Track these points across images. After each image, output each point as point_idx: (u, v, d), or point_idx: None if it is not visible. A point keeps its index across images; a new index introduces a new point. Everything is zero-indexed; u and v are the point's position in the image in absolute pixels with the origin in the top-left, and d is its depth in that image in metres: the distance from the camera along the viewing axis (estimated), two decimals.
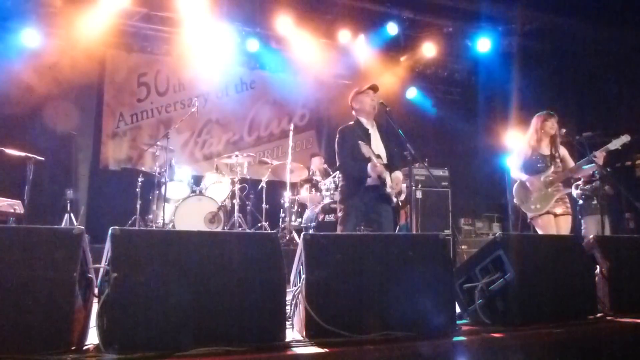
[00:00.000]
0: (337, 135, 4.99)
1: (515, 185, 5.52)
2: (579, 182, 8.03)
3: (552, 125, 5.43)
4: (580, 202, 8.04)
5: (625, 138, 5.22)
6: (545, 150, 5.46)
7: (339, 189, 5.17)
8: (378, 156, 4.79)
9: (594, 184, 7.83)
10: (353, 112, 5.10)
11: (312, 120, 11.21)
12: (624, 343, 3.36)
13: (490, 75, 10.68)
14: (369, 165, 4.67)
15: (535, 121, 5.53)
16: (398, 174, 4.91)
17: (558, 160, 5.42)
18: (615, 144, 5.22)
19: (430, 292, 3.05)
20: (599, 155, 5.20)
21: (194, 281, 2.60)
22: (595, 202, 7.81)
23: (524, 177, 5.41)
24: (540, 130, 5.44)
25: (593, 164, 5.25)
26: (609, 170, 6.72)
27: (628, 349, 3.34)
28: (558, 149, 5.47)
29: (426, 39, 10.32)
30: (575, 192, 8.02)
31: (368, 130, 4.94)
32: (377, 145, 4.91)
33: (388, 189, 4.77)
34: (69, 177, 8.85)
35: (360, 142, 4.70)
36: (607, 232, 7.54)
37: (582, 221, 8.14)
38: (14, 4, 8.27)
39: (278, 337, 2.68)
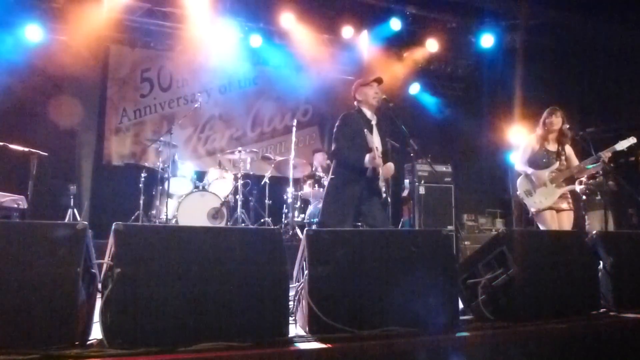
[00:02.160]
0: (339, 121, 4.85)
1: (519, 178, 5.51)
2: (583, 178, 8.01)
3: (556, 120, 5.42)
4: (584, 197, 8.02)
5: (631, 140, 5.27)
6: (552, 146, 5.46)
7: (329, 178, 4.93)
8: (376, 149, 4.70)
9: (597, 179, 7.82)
10: (355, 103, 5.00)
11: (315, 116, 11.19)
12: (627, 338, 3.36)
13: (494, 71, 10.66)
14: (368, 156, 4.56)
15: (543, 117, 5.53)
16: (390, 165, 4.81)
17: (563, 157, 5.42)
18: (622, 145, 5.27)
19: (433, 287, 3.05)
20: (605, 156, 5.22)
21: (197, 277, 2.60)
22: (599, 197, 7.80)
23: (529, 170, 5.40)
24: (545, 126, 5.44)
25: (597, 164, 5.26)
26: (612, 165, 6.70)
27: (631, 345, 3.34)
28: (564, 146, 5.47)
29: (429, 34, 10.29)
30: (579, 187, 8.00)
31: (371, 121, 4.87)
32: (375, 138, 4.82)
33: (381, 183, 4.71)
34: (72, 172, 8.86)
35: (365, 130, 4.63)
36: (611, 227, 7.54)
37: (586, 217, 8.13)
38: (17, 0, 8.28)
39: (281, 333, 2.69)
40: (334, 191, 4.81)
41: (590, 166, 5.33)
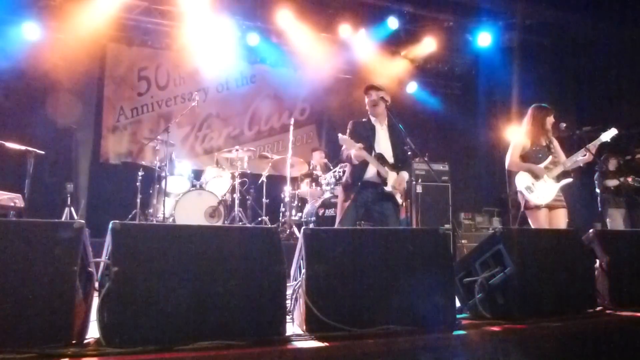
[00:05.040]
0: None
1: (518, 175, 5.47)
2: (610, 170, 7.97)
3: (552, 120, 5.46)
4: (604, 194, 7.98)
5: (613, 131, 5.35)
6: (542, 141, 5.47)
7: (341, 181, 5.25)
8: (380, 155, 4.91)
9: (634, 179, 7.80)
10: None
11: (313, 114, 11.20)
12: (623, 336, 3.36)
13: (491, 70, 10.67)
14: (353, 151, 4.80)
15: (534, 113, 5.52)
16: (404, 174, 5.01)
17: (553, 150, 5.45)
18: (606, 136, 5.34)
19: (430, 286, 3.05)
20: (593, 149, 5.27)
21: (194, 275, 2.60)
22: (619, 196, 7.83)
23: (525, 166, 5.39)
24: (540, 124, 5.45)
25: (585, 156, 5.29)
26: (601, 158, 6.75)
27: (627, 343, 3.35)
28: (552, 140, 5.50)
29: (427, 33, 10.31)
30: (610, 182, 7.99)
31: (375, 127, 5.07)
32: (383, 144, 5.03)
33: (387, 188, 4.86)
34: (70, 171, 8.85)
35: (340, 134, 4.90)
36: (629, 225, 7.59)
37: (609, 212, 8.06)
38: None
39: (278, 332, 2.69)
40: (340, 193, 5.21)
41: (579, 158, 5.36)
